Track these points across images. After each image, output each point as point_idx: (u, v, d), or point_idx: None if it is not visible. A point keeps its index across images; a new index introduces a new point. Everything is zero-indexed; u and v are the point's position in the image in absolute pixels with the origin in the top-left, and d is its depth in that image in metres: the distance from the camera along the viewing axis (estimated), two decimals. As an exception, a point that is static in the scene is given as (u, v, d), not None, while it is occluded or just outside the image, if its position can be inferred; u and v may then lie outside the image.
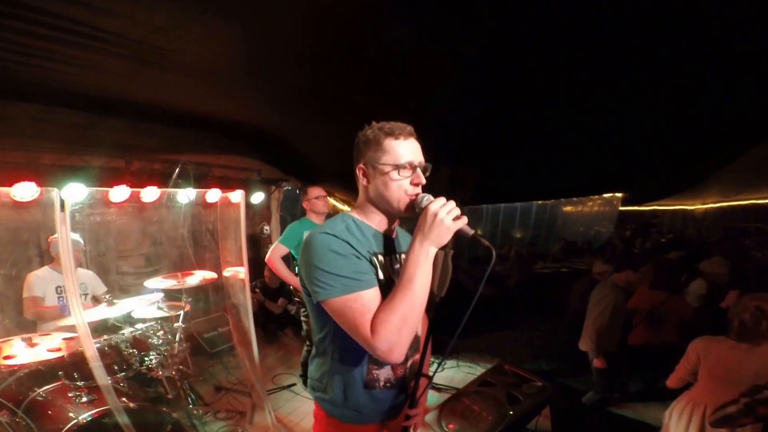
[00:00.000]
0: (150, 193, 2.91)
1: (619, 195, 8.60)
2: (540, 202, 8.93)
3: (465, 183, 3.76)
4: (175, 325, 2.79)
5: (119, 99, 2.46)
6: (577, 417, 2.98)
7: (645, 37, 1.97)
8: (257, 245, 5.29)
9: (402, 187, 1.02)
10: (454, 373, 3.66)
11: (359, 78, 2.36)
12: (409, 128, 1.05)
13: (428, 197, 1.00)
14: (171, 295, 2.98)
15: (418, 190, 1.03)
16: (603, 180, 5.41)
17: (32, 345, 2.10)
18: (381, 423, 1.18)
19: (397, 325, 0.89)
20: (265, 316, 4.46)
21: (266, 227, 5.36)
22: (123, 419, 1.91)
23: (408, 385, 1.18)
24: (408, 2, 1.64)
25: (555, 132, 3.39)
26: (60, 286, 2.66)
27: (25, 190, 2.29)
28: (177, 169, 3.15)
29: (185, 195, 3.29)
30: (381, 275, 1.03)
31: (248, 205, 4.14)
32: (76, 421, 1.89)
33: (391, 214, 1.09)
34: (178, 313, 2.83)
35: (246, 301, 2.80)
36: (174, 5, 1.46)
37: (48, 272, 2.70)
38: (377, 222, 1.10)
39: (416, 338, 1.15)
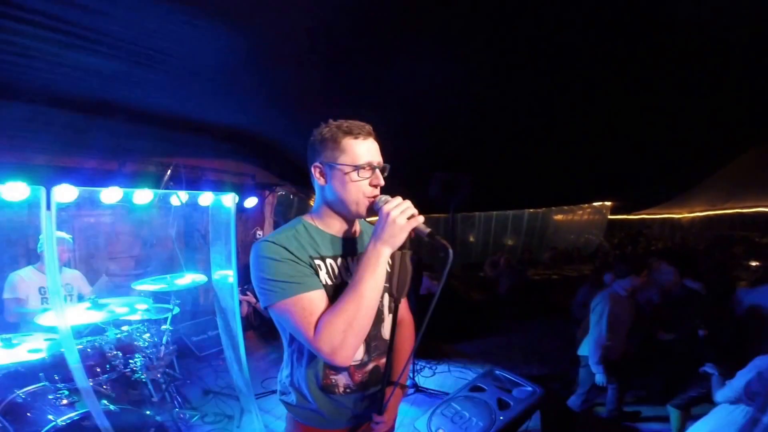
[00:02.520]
0: (142, 196, 2.88)
1: (608, 204, 8.74)
2: (531, 210, 9.04)
3: (459, 188, 3.78)
4: (163, 327, 2.75)
5: (113, 101, 2.46)
6: (568, 422, 2.97)
7: (634, 45, 2.03)
8: (250, 250, 5.24)
9: (360, 189, 0.99)
10: (444, 378, 3.64)
11: (355, 82, 2.39)
12: (368, 127, 1.02)
13: (385, 198, 0.98)
14: (159, 297, 2.94)
15: (377, 191, 1.01)
16: (593, 188, 5.50)
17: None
18: (349, 429, 1.14)
19: (341, 327, 0.88)
20: (259, 319, 4.41)
21: (259, 232, 5.33)
22: (103, 422, 1.86)
23: (372, 391, 1.13)
24: (405, 7, 1.67)
25: (548, 140, 3.46)
26: (44, 287, 2.61)
27: (14, 190, 2.26)
28: (168, 171, 3.13)
29: (176, 197, 3.27)
30: (329, 280, 1.02)
31: (242, 210, 4.12)
32: (54, 423, 1.85)
33: (347, 215, 1.06)
34: (166, 315, 2.79)
35: (234, 305, 2.77)
36: (168, 7, 1.48)
37: (32, 272, 2.65)
38: (332, 224, 1.08)
39: (381, 341, 1.12)
